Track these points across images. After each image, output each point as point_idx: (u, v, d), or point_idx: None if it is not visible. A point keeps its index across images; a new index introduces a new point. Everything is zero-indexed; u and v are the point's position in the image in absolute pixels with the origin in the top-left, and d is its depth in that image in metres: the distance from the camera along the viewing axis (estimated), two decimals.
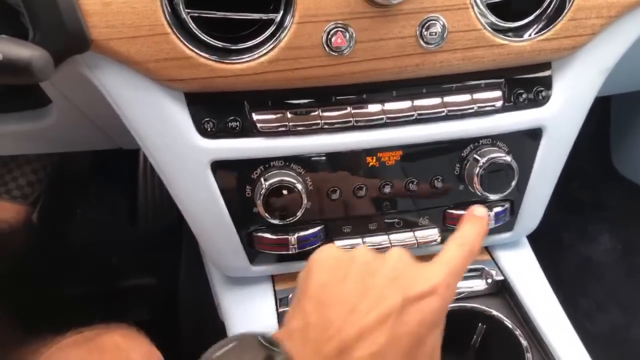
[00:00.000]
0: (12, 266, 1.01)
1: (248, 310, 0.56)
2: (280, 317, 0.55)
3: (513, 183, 0.54)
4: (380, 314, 0.37)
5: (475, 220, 0.46)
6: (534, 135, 0.55)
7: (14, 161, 1.14)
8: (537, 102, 0.54)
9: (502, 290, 0.59)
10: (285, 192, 0.50)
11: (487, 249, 0.62)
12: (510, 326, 0.55)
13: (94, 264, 1.19)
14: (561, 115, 0.55)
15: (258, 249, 0.55)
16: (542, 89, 0.54)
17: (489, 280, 0.58)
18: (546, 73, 0.54)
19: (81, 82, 0.49)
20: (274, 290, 0.58)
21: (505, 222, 0.59)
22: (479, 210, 0.47)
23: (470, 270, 0.60)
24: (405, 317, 0.37)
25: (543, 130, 0.55)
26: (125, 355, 0.50)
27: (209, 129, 0.49)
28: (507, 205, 0.58)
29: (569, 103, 0.55)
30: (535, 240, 1.21)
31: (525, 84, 0.54)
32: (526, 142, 0.55)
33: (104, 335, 0.52)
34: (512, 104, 0.54)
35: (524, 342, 0.53)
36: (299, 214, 0.51)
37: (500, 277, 0.58)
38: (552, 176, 0.59)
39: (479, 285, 0.58)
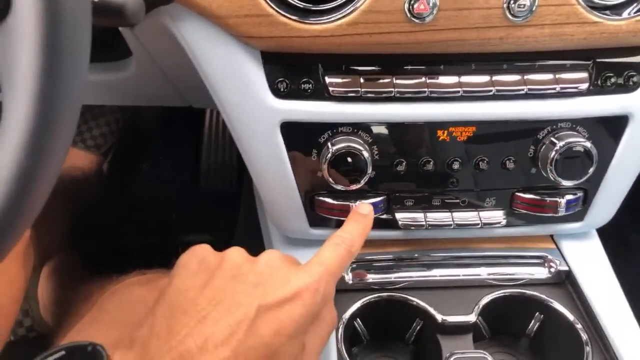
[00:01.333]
0: (82, 211, 1.07)
1: None
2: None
3: (590, 171, 0.51)
4: (231, 323, 0.34)
5: (358, 218, 0.45)
6: (618, 122, 0.52)
7: (90, 112, 1.20)
8: (627, 87, 0.51)
9: (565, 281, 0.57)
10: (350, 159, 0.50)
11: (553, 238, 0.60)
12: (571, 318, 0.53)
13: (155, 218, 1.24)
14: None
15: (318, 213, 0.55)
16: (634, 73, 0.51)
17: (552, 270, 0.56)
18: None
19: (163, 35, 0.50)
20: None
21: (576, 212, 0.56)
22: (364, 207, 0.46)
23: (533, 258, 0.58)
24: (258, 326, 0.34)
25: (629, 119, 0.52)
26: None
27: (281, 89, 0.49)
28: (580, 194, 0.55)
29: None
30: (601, 238, 1.15)
31: (616, 67, 0.51)
32: (609, 129, 0.52)
33: (164, 277, 0.55)
34: (598, 87, 0.51)
35: (584, 336, 0.51)
36: (363, 182, 0.51)
37: (565, 268, 0.56)
38: (633, 168, 0.55)
39: (541, 273, 0.56)
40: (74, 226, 1.02)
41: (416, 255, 0.58)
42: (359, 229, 0.44)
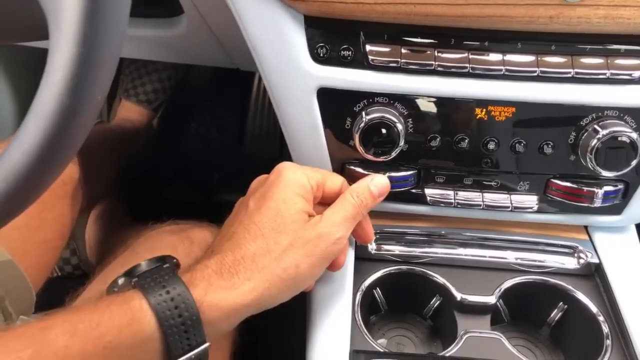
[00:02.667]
0: (132, 162, 1.12)
1: None
2: (357, 249, 0.57)
3: (633, 163, 0.49)
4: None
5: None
6: None
7: (144, 68, 1.24)
8: None
9: (595, 274, 0.55)
10: (383, 129, 0.50)
11: (587, 229, 0.58)
12: (594, 311, 0.52)
13: (198, 175, 1.28)
14: None
15: (348, 181, 0.56)
16: None
17: (582, 261, 0.55)
18: None
19: None
20: None
21: (614, 205, 0.54)
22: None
23: (563, 247, 0.56)
24: None
25: None
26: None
27: (321, 55, 0.50)
28: (620, 186, 0.53)
29: None
30: None
31: None
32: None
33: (196, 228, 0.57)
34: None
35: (605, 329, 0.50)
36: (393, 154, 0.51)
37: (595, 260, 0.55)
38: None
39: (570, 263, 0.55)
40: (121, 175, 1.07)
41: (443, 232, 0.58)
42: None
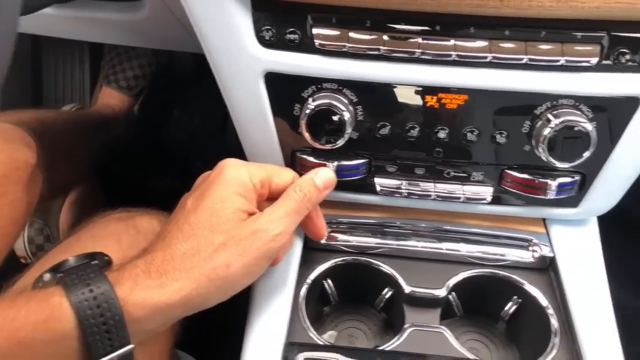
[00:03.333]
0: (109, 148, 1.11)
1: None
2: (307, 239, 0.55)
3: (586, 154, 0.47)
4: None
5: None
6: (628, 104, 0.47)
7: (125, 54, 1.23)
8: None
9: (549, 268, 0.54)
10: (329, 117, 0.48)
11: (545, 222, 0.57)
12: (545, 305, 0.50)
13: (180, 163, 1.27)
14: None
15: (299, 170, 0.54)
16: None
17: (535, 254, 0.53)
18: None
19: None
20: None
21: (571, 197, 0.53)
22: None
23: (517, 240, 0.55)
24: None
25: None
26: None
27: (267, 38, 0.48)
28: (577, 177, 0.51)
29: None
30: (623, 237, 1.09)
31: (632, 42, 0.46)
32: (617, 111, 0.48)
33: (144, 216, 0.56)
34: (609, 63, 0.46)
35: (555, 325, 0.49)
36: (340, 142, 0.49)
37: (550, 254, 0.53)
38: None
39: (524, 257, 0.54)
40: (98, 161, 1.06)
41: (397, 223, 0.57)
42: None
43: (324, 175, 0.49)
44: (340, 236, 0.56)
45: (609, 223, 0.96)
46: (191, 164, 1.28)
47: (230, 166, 0.47)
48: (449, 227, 0.56)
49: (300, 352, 0.44)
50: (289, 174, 0.50)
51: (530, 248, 0.54)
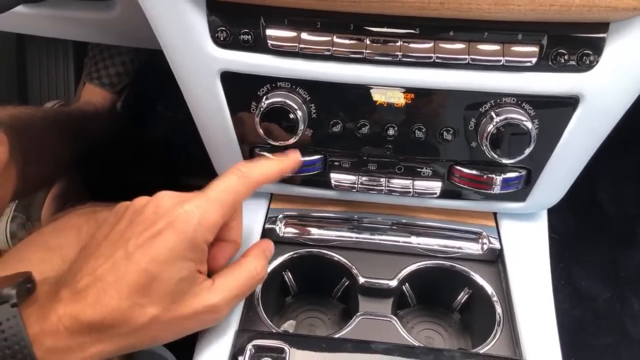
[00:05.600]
0: (91, 144, 1.13)
1: None
2: (266, 232, 0.57)
3: (527, 151, 0.49)
4: (114, 255, 0.41)
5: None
6: (568, 103, 0.50)
7: (107, 51, 1.24)
8: (580, 66, 0.48)
9: (498, 260, 0.56)
10: (284, 114, 0.50)
11: (495, 216, 0.59)
12: (491, 295, 0.52)
13: (164, 159, 1.29)
14: (606, 87, 0.48)
15: None
16: (590, 52, 0.48)
17: (485, 247, 0.55)
18: (599, 35, 0.47)
19: None
20: (268, 208, 0.60)
21: (518, 191, 0.55)
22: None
23: (468, 233, 0.57)
24: (135, 256, 0.40)
25: (580, 100, 0.49)
26: None
27: (222, 38, 0.50)
28: (522, 173, 0.53)
29: (618, 75, 0.48)
30: (603, 230, 1.12)
31: (571, 43, 0.48)
32: (557, 109, 0.50)
33: (105, 210, 0.58)
34: (548, 63, 0.48)
35: (499, 314, 0.51)
36: (293, 140, 0.51)
37: (497, 246, 0.55)
38: (582, 152, 0.53)
39: (473, 249, 0.56)
40: (81, 157, 1.08)
41: (353, 216, 0.59)
42: (263, 163, 0.48)
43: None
44: (297, 229, 0.58)
45: (580, 217, 0.99)
46: (174, 160, 1.30)
47: (181, 218, 0.41)
48: (404, 221, 0.58)
49: (250, 339, 0.47)
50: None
51: (480, 240, 0.56)
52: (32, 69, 1.32)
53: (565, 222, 1.11)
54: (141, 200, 0.45)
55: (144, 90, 1.33)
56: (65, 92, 1.30)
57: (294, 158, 0.52)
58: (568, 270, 1.07)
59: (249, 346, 0.46)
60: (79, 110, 1.15)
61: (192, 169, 1.31)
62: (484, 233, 0.56)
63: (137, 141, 1.31)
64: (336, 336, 0.50)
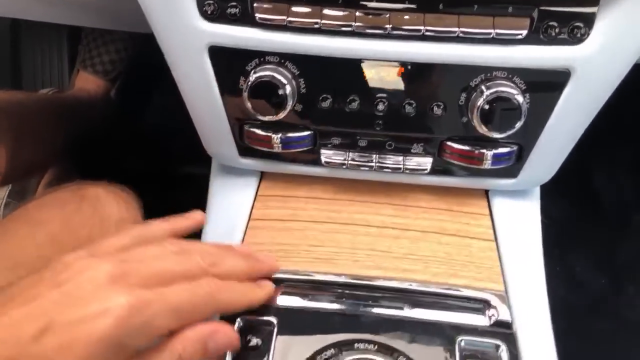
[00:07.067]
0: (84, 132, 1.12)
1: (228, 198, 0.59)
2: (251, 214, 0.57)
3: (518, 125, 0.49)
4: (25, 328, 0.31)
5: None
6: (559, 76, 0.49)
7: (101, 38, 1.24)
8: (571, 39, 0.48)
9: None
10: (272, 89, 0.50)
11: (487, 195, 0.58)
12: None
13: (158, 147, 1.29)
14: (597, 60, 0.48)
15: (247, 143, 0.56)
16: (581, 25, 0.47)
17: (493, 319, 0.48)
18: (590, 8, 0.47)
19: None
20: (257, 187, 0.59)
21: (509, 167, 0.54)
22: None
23: (473, 301, 0.49)
24: (45, 338, 0.31)
25: (571, 73, 0.49)
26: (101, 206, 0.55)
27: (209, 12, 0.49)
28: (514, 148, 0.53)
29: (609, 48, 0.47)
30: (599, 216, 1.11)
31: (561, 16, 0.47)
32: (549, 82, 0.49)
33: (91, 186, 0.58)
34: (539, 36, 0.48)
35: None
36: (282, 115, 0.51)
37: (508, 319, 0.48)
38: (574, 127, 0.52)
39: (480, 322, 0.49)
40: (73, 145, 1.07)
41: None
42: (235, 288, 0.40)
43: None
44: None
45: (576, 204, 0.98)
46: (168, 148, 1.30)
47: (108, 313, 0.31)
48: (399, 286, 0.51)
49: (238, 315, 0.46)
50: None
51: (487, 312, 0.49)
52: (25, 56, 1.31)
53: (561, 208, 1.11)
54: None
55: (138, 78, 1.33)
56: (59, 79, 1.29)
57: (267, 290, 0.45)
58: (563, 257, 1.07)
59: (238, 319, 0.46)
60: (72, 97, 1.15)
61: (186, 157, 1.31)
62: (492, 301, 0.49)
63: (131, 129, 1.30)
64: None
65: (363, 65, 0.50)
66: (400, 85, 0.51)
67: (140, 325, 0.32)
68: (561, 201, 1.11)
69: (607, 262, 1.08)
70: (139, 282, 0.33)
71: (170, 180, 1.26)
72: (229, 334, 0.37)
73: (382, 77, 0.50)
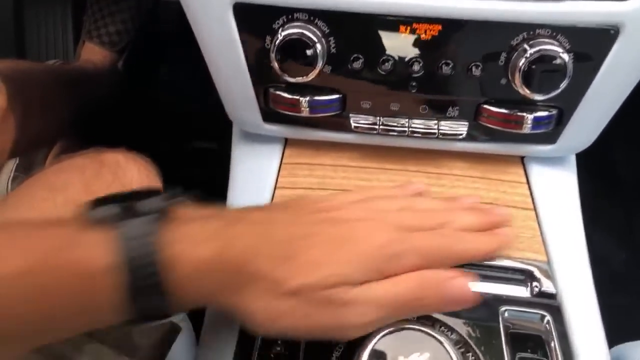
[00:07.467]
0: (92, 104, 1.10)
1: (253, 166, 0.56)
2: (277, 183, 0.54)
3: (562, 85, 0.46)
4: None
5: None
6: (607, 34, 0.46)
7: (108, 8, 1.20)
8: None
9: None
10: (301, 47, 0.47)
11: (523, 162, 0.56)
12: None
13: (167, 120, 1.26)
14: None
15: (271, 107, 0.53)
16: None
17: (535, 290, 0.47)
18: None
19: None
20: (282, 154, 0.57)
21: (548, 132, 0.52)
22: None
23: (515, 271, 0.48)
24: None
25: (620, 31, 0.46)
26: (122, 172, 0.52)
27: None
28: (554, 112, 0.50)
29: None
30: (618, 191, 1.09)
31: None
32: (595, 41, 0.46)
33: (109, 152, 0.55)
34: None
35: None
36: (311, 75, 0.48)
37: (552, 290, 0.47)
38: (619, 90, 0.50)
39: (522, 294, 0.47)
40: (81, 117, 1.05)
41: None
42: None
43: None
44: None
45: (596, 178, 0.95)
46: (178, 122, 1.27)
47: (371, 240, 0.38)
48: None
49: None
50: None
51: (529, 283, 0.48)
52: (29, 28, 1.28)
53: (580, 183, 1.09)
54: None
55: (145, 50, 1.29)
56: (65, 51, 1.26)
57: (503, 239, 0.43)
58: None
59: None
60: (79, 68, 1.12)
61: (196, 131, 1.29)
62: (534, 272, 0.47)
63: (140, 101, 1.27)
64: None
65: (398, 22, 0.47)
66: (437, 44, 0.48)
67: (391, 256, 0.36)
68: (580, 175, 1.09)
69: (627, 238, 1.06)
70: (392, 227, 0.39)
71: (178, 154, 1.24)
72: (463, 285, 0.38)
73: (418, 35, 0.47)
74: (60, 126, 0.98)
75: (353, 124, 0.52)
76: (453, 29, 0.47)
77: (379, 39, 0.48)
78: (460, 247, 0.40)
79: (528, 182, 0.54)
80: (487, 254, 0.42)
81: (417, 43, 0.48)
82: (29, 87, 0.78)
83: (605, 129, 0.53)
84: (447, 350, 0.36)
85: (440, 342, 0.37)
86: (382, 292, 0.36)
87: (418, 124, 0.52)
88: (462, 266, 0.44)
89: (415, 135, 0.52)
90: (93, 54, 1.19)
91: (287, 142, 0.58)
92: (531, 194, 0.53)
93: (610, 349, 0.62)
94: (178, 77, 1.34)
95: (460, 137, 0.52)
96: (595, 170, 1.11)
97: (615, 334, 0.94)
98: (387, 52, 0.48)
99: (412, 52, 0.48)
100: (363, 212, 0.41)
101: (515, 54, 0.47)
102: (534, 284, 0.46)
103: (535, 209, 0.51)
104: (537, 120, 0.50)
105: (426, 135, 0.51)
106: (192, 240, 0.35)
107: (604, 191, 1.11)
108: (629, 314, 1.00)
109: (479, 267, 0.46)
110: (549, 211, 0.51)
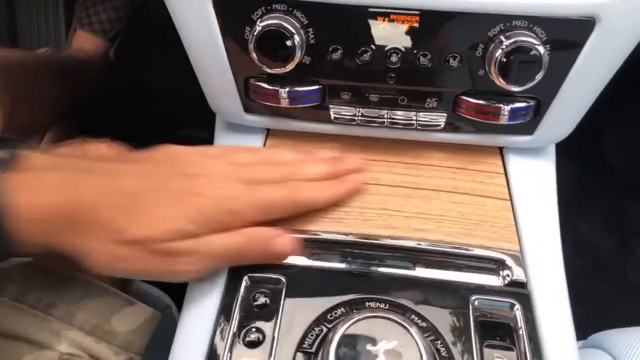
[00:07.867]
0: (85, 92, 1.10)
1: None
2: None
3: (538, 77, 0.46)
4: None
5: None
6: (582, 26, 0.46)
7: None
8: None
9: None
10: (279, 38, 0.47)
11: (502, 152, 0.56)
12: None
13: (159, 109, 1.26)
14: (623, 8, 0.45)
15: (252, 98, 0.54)
16: None
17: (507, 279, 0.47)
18: None
19: None
20: (264, 145, 0.57)
21: (526, 123, 0.52)
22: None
23: (487, 260, 0.48)
24: None
25: (596, 22, 0.46)
26: None
27: None
28: (532, 103, 0.51)
29: None
30: (607, 178, 1.10)
31: None
32: (572, 32, 0.47)
33: (92, 142, 0.56)
34: None
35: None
36: (290, 66, 0.48)
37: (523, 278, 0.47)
38: (596, 81, 0.50)
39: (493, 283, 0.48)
40: (72, 106, 1.05)
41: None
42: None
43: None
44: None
45: (584, 165, 0.96)
46: (170, 110, 1.27)
47: (210, 196, 0.42)
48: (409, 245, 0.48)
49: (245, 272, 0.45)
50: None
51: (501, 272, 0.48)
52: (21, 16, 1.27)
53: (569, 170, 1.09)
54: None
55: (137, 38, 1.29)
56: (56, 39, 1.26)
57: (351, 185, 0.50)
58: (571, 219, 1.06)
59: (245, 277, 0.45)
60: (71, 57, 1.11)
61: (188, 119, 1.29)
62: (506, 261, 0.47)
63: (132, 90, 1.27)
64: None
65: (376, 12, 0.47)
66: (415, 35, 0.48)
67: (229, 211, 0.41)
68: (569, 161, 1.09)
69: (615, 225, 1.07)
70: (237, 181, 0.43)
71: (170, 141, 1.24)
72: (285, 243, 0.44)
73: (396, 26, 0.48)
74: (52, 114, 0.98)
75: (333, 115, 0.53)
76: (431, 20, 0.47)
77: (358, 30, 0.48)
78: (304, 195, 0.45)
79: (506, 173, 0.54)
80: (330, 198, 0.47)
81: (395, 34, 0.48)
82: (20, 76, 0.79)
83: (594, 115, 0.54)
84: (414, 338, 0.37)
85: (408, 330, 0.38)
86: (216, 245, 0.40)
87: (397, 115, 0.52)
88: (436, 255, 0.45)
89: (394, 126, 0.52)
90: (85, 41, 1.19)
91: (269, 133, 0.59)
92: (508, 184, 0.53)
93: (589, 337, 0.63)
94: (170, 65, 1.34)
95: (439, 128, 0.52)
96: (585, 157, 1.11)
97: (601, 320, 0.96)
98: (366, 43, 0.49)
99: (390, 43, 0.49)
100: (215, 167, 0.44)
101: (492, 45, 0.47)
102: (506, 273, 0.47)
103: (511, 199, 0.52)
104: (514, 112, 0.50)
105: (405, 126, 0.52)
106: (37, 189, 0.38)
107: (593, 178, 1.11)
108: (615, 302, 1.02)
109: (451, 256, 0.47)
110: (524, 201, 0.52)
